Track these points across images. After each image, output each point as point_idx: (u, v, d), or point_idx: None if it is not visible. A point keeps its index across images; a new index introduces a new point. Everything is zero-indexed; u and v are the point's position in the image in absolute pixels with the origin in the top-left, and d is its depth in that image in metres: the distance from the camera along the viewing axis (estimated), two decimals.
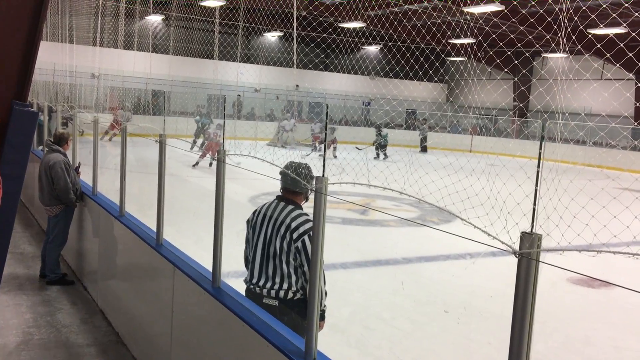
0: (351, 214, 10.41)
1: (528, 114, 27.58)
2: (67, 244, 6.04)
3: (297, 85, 28.12)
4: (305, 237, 2.97)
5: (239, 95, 26.62)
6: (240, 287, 3.39)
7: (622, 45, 3.21)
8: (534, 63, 29.26)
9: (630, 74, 23.48)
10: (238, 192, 11.22)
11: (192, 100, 24.65)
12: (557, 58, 24.57)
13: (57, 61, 13.47)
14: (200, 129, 18.89)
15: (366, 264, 7.44)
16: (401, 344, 4.86)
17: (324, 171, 2.39)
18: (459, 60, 28.05)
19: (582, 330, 5.54)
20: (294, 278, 3.03)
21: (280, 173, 3.17)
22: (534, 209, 1.55)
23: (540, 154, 1.53)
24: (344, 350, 4.51)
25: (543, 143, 1.53)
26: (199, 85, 24.86)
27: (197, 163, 15.31)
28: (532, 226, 1.55)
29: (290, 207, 3.10)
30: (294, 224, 3.02)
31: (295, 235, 2.99)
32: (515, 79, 25.51)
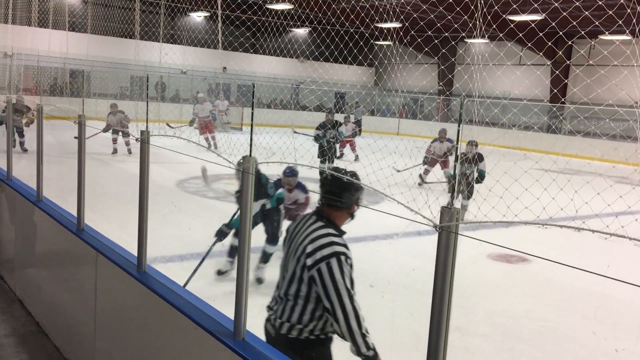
0: None
1: (454, 100, 28.45)
2: None
3: (225, 68, 27.63)
4: (322, 265, 2.35)
5: (161, 76, 25.79)
6: (167, 271, 3.33)
7: (541, 34, 3.37)
8: (459, 49, 30.17)
9: (549, 62, 24.71)
10: (164, 176, 10.97)
11: (113, 81, 23.69)
12: (478, 44, 25.44)
13: None
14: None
15: None
16: None
17: (250, 151, 2.37)
18: (386, 44, 28.48)
19: (502, 303, 5.84)
20: (306, 317, 2.46)
21: (320, 181, 2.57)
22: (453, 185, 1.61)
23: (458, 131, 1.59)
24: None
25: (461, 120, 1.59)
26: (120, 65, 23.93)
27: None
28: (452, 201, 1.61)
29: (319, 224, 2.49)
30: (310, 247, 2.41)
31: (309, 262, 2.39)
32: (436, 60, 26.18)
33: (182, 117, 18.03)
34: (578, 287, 6.25)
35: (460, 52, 27.48)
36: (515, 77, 24.67)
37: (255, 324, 2.79)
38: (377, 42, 27.68)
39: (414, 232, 7.86)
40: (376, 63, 32.69)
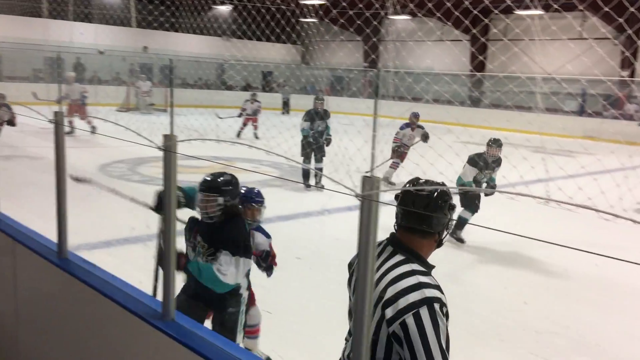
0: None
1: (370, 72, 28.79)
2: None
3: (146, 47, 26.69)
4: (409, 318, 1.73)
5: (79, 57, 24.61)
6: (93, 258, 3.23)
7: (456, 13, 3.47)
8: (382, 26, 30.54)
9: (467, 38, 25.47)
10: (85, 160, 10.58)
11: (25, 63, 22.36)
12: (401, 20, 25.88)
13: None
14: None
15: None
16: (265, 300, 4.97)
17: (172, 129, 2.32)
18: (311, 22, 28.38)
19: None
20: None
21: (397, 198, 1.94)
22: (372, 154, 1.65)
23: (375, 102, 1.63)
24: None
25: (378, 92, 1.62)
26: (32, 46, 22.63)
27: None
28: (372, 170, 1.65)
29: (398, 259, 1.87)
30: (391, 292, 1.78)
31: (390, 313, 1.76)
32: (359, 37, 26.38)
33: (97, 100, 17.22)
34: (493, 247, 6.65)
35: (374, 24, 27.79)
36: (437, 53, 25.30)
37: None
38: (302, 20, 27.54)
39: (344, 207, 7.99)
40: (302, 41, 32.57)
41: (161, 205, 2.78)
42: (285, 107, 26.59)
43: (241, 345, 3.51)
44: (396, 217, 1.95)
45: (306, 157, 9.59)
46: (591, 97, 20.90)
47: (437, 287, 1.79)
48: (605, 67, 19.33)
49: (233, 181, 3.29)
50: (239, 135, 15.92)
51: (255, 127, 16.51)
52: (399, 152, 10.33)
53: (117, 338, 2.66)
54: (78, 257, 3.09)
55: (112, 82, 25.24)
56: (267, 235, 3.76)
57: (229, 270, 3.12)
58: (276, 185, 9.82)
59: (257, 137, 16.19)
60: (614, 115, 18.77)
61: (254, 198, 3.67)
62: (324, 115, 9.88)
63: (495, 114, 18.90)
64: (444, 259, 6.54)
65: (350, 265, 2.09)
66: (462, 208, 6.84)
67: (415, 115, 10.48)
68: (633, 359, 4.37)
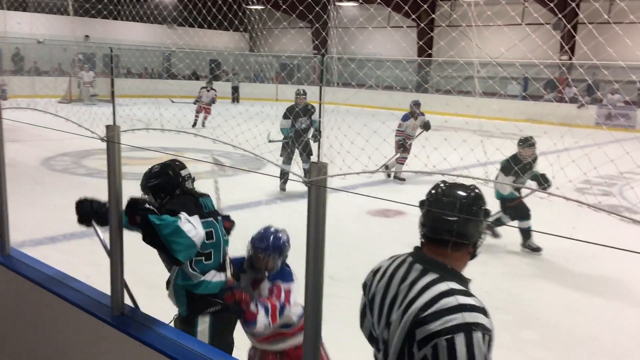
0: None
1: (313, 59, 28.77)
2: None
3: (87, 36, 25.78)
4: (441, 341, 1.46)
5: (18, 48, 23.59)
6: (38, 254, 3.14)
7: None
8: (328, 12, 30.46)
9: (409, 24, 25.73)
10: (27, 154, 10.22)
11: None
12: (347, 6, 25.99)
13: None
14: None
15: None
16: None
17: (114, 120, 2.28)
18: (259, 9, 28.04)
19: (380, 255, 6.17)
20: None
21: (422, 205, 1.71)
22: (319, 141, 1.67)
23: (321, 88, 1.64)
24: (162, 304, 4.45)
25: (323, 78, 1.64)
26: None
27: None
28: (319, 156, 1.67)
29: (430, 278, 1.59)
30: (425, 313, 1.52)
31: (421, 334, 1.51)
32: (300, 23, 26.25)
33: (36, 92, 16.57)
34: None
35: (316, 9, 27.78)
36: (383, 39, 25.49)
37: (141, 301, 2.72)
38: (249, 7, 27.16)
39: (297, 194, 8.01)
40: (244, 28, 32.13)
41: (84, 217, 2.57)
42: (235, 93, 26.26)
43: None
44: (422, 228, 1.69)
45: (287, 159, 8.53)
46: (532, 81, 21.56)
47: (482, 310, 1.49)
48: (546, 51, 19.95)
49: (159, 172, 2.86)
50: (194, 125, 15.86)
51: (206, 118, 16.44)
52: (404, 146, 9.67)
53: (65, 334, 2.61)
54: (21, 253, 3.00)
55: (52, 73, 24.32)
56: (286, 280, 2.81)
57: (192, 222, 2.57)
58: (227, 175, 9.74)
59: (203, 126, 16.13)
60: (552, 98, 19.42)
61: (259, 245, 2.85)
62: (307, 110, 8.76)
63: (436, 98, 19.23)
64: (388, 239, 6.67)
65: (365, 286, 1.86)
66: (519, 219, 6.34)
67: (416, 104, 9.86)
68: (572, 328, 4.59)
